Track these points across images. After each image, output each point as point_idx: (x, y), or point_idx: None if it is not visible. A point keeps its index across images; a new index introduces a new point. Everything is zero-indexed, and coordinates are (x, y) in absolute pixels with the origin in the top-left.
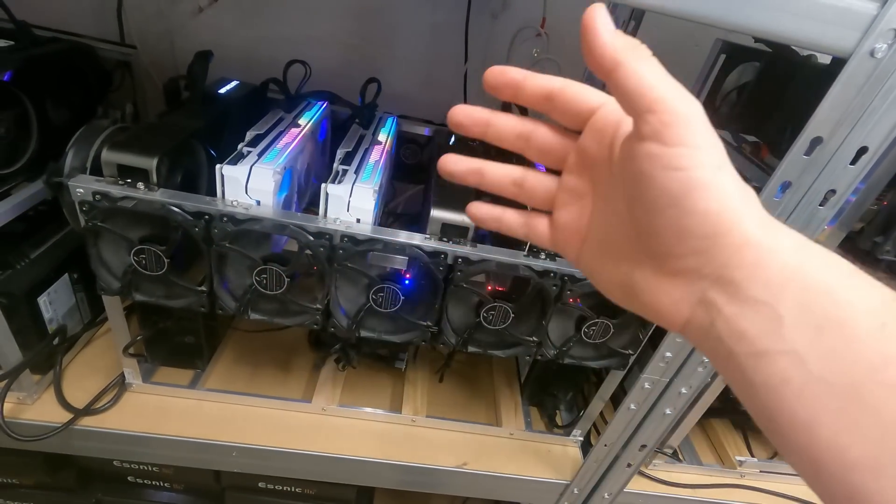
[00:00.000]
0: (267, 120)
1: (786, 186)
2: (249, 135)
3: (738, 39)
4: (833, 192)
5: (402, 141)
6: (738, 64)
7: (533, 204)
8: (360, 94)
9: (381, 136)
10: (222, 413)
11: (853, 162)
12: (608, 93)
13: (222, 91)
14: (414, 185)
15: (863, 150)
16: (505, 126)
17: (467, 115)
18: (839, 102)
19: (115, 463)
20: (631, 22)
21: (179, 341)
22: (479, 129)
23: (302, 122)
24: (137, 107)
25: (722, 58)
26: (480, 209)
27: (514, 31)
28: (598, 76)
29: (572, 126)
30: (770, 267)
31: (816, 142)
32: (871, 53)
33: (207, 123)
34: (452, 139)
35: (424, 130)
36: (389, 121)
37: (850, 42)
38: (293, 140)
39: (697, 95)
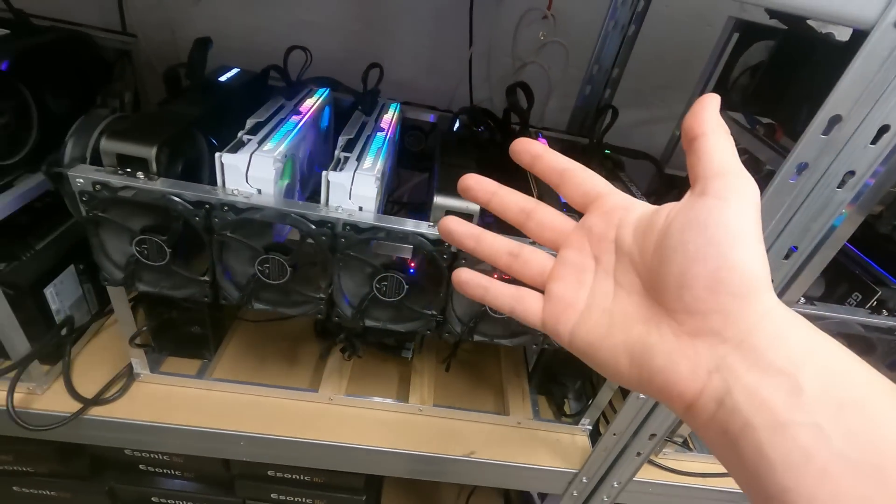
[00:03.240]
0: (268, 107)
1: (802, 168)
2: (250, 122)
3: (752, 17)
4: (852, 173)
5: (406, 128)
6: (752, 43)
7: (525, 278)
8: (362, 79)
9: (384, 123)
10: (230, 402)
11: (874, 141)
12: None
13: (223, 79)
14: (419, 172)
15: (884, 129)
16: (509, 198)
17: (477, 182)
18: (860, 78)
19: (126, 451)
20: (640, 1)
21: (186, 331)
22: (485, 197)
23: (303, 109)
24: (139, 96)
25: (735, 37)
26: (465, 273)
27: (520, 14)
28: (685, 139)
29: (574, 202)
30: (791, 339)
31: (835, 120)
32: None
33: (207, 111)
34: (457, 125)
35: (429, 117)
36: (392, 107)
37: (872, 13)
38: (294, 128)
39: (709, 76)
